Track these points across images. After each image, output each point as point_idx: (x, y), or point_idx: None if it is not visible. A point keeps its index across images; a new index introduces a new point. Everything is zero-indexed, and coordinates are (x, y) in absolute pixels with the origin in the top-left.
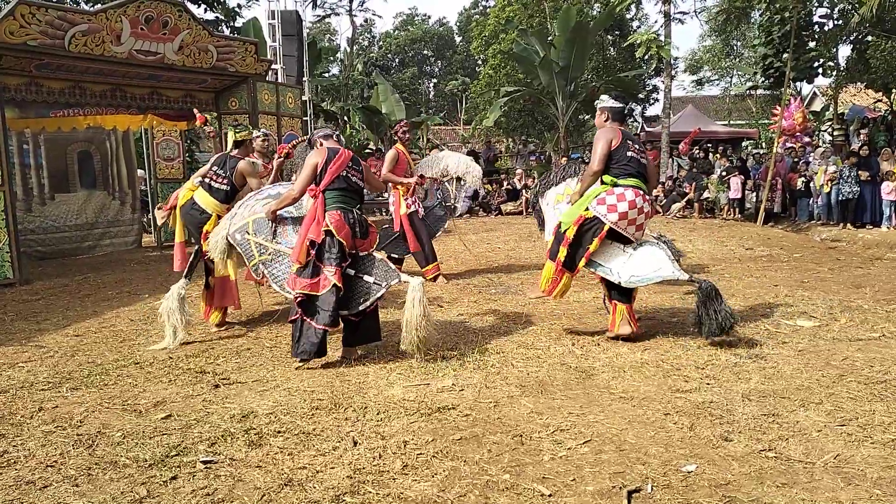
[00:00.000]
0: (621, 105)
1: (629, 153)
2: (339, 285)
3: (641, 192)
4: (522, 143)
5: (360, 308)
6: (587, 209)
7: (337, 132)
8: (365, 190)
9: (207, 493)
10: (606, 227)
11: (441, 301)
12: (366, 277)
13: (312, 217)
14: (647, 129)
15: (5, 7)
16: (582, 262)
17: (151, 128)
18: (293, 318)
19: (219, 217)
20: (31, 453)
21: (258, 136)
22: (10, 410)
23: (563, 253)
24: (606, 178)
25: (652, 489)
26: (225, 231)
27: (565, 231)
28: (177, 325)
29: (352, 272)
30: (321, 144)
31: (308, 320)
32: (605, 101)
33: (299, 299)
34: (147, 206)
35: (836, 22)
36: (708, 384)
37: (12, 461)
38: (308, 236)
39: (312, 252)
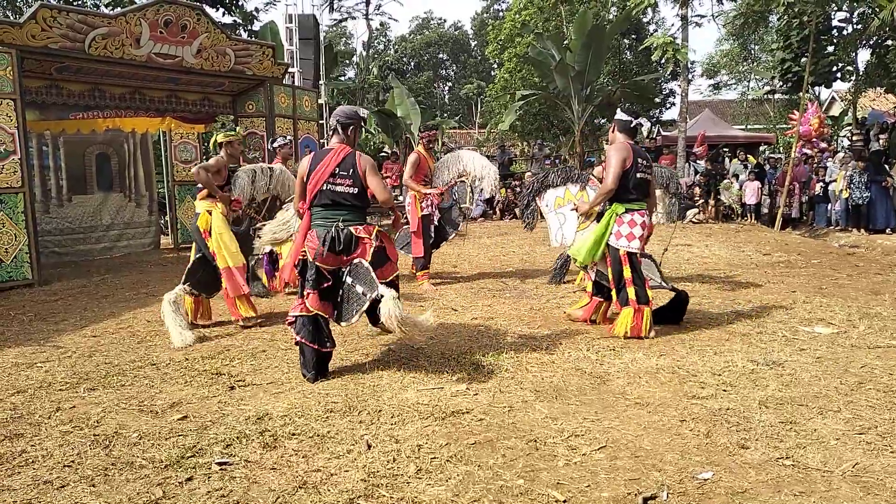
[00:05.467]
0: (629, 118)
1: (639, 174)
2: (317, 311)
3: (641, 212)
4: (538, 147)
5: (353, 320)
6: (618, 248)
7: (357, 116)
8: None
9: (222, 494)
10: (637, 256)
11: (455, 305)
12: (357, 287)
13: (299, 236)
14: (664, 133)
15: (27, 11)
16: (650, 291)
17: (170, 130)
18: (295, 339)
19: (209, 212)
20: (48, 453)
21: (284, 144)
22: (29, 410)
23: (632, 292)
24: (618, 207)
25: (667, 496)
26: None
27: (621, 270)
28: (172, 325)
29: (349, 280)
30: (330, 136)
31: (303, 340)
32: (617, 115)
33: (290, 321)
34: (165, 209)
35: (855, 26)
36: (724, 391)
37: (31, 460)
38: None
39: (296, 273)
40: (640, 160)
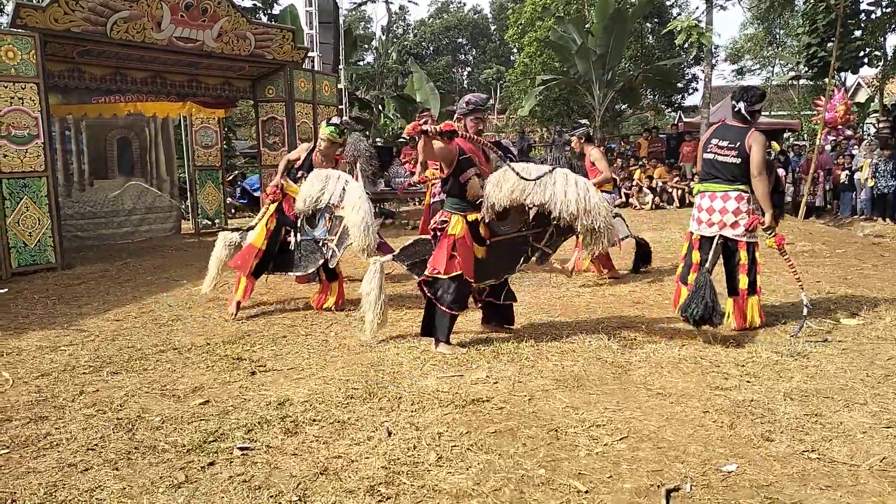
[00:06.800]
0: (732, 102)
1: (705, 154)
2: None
3: (710, 194)
4: (557, 133)
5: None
6: None
7: (463, 105)
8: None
9: (244, 479)
10: (695, 237)
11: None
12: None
13: None
14: (686, 119)
15: None
16: (692, 276)
17: (190, 115)
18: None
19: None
20: (72, 436)
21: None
22: (53, 393)
23: (680, 267)
24: (695, 187)
25: (691, 488)
26: None
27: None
28: (213, 269)
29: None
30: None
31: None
32: None
33: None
34: (186, 193)
35: (884, 10)
36: (748, 382)
37: (55, 443)
38: None
39: None
40: (714, 140)
